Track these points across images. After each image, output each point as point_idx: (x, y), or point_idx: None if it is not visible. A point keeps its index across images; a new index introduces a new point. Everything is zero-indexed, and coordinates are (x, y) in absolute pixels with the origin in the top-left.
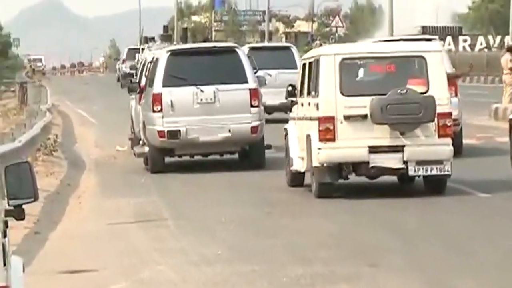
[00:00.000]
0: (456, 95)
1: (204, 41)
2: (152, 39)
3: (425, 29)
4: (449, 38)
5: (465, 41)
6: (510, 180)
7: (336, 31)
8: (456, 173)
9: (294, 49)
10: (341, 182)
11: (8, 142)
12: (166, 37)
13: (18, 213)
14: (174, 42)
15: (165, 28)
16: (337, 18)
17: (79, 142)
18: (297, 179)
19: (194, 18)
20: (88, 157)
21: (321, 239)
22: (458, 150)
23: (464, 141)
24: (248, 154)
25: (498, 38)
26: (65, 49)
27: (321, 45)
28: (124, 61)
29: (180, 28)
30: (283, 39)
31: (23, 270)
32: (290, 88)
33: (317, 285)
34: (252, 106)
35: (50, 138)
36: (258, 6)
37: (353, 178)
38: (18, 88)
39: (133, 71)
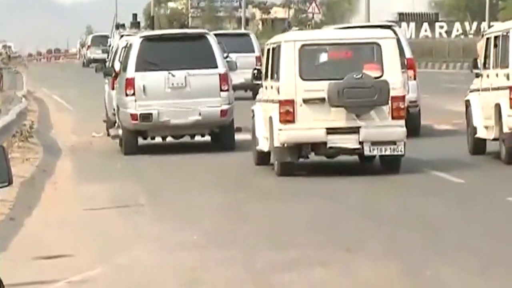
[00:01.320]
0: (414, 79)
1: (181, 28)
2: (123, 25)
3: (401, 16)
4: (425, 25)
5: (441, 27)
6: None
7: (313, 17)
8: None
9: (252, 35)
10: (306, 162)
11: None
12: (135, 24)
13: None
14: (142, 29)
15: (135, 16)
16: (313, 4)
17: (55, 128)
18: (263, 159)
19: (171, 4)
20: (64, 143)
21: (296, 224)
22: (416, 131)
23: (442, 127)
24: (218, 137)
25: (475, 24)
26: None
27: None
28: (88, 47)
29: (156, 15)
30: (260, 26)
31: None
32: (255, 71)
33: (293, 270)
34: (221, 90)
35: (26, 124)
36: None
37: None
38: None
39: (98, 57)
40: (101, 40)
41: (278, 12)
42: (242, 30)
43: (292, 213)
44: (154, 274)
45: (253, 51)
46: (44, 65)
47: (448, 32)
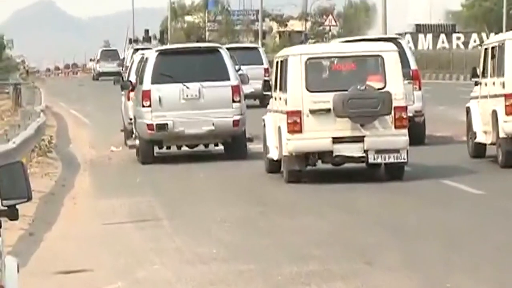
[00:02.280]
0: (419, 89)
1: (198, 42)
2: (136, 40)
3: (418, 27)
4: (442, 36)
5: (458, 38)
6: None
7: (330, 30)
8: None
9: (261, 49)
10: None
11: (2, 144)
12: (147, 38)
13: (11, 214)
14: (153, 43)
15: (146, 31)
16: (330, 17)
17: (74, 143)
18: (273, 166)
19: (188, 18)
20: (83, 158)
21: (315, 237)
22: (422, 139)
23: (460, 138)
24: (231, 146)
25: (492, 35)
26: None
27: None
28: (98, 61)
29: (173, 28)
30: (277, 38)
31: (18, 271)
32: (265, 83)
33: (313, 283)
34: (234, 101)
35: (45, 139)
36: (251, 5)
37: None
38: (12, 90)
39: (107, 70)
40: (110, 55)
41: (295, 25)
42: (252, 44)
43: (310, 225)
44: (173, 287)
45: (262, 63)
46: (62, 80)
47: (465, 43)
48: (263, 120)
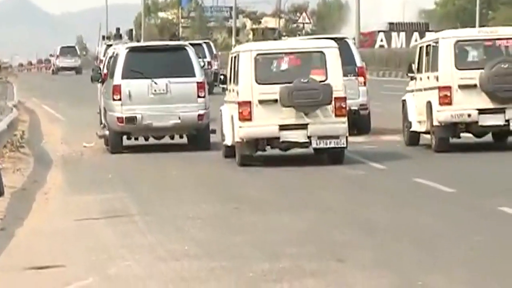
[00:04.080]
0: (364, 85)
1: (171, 38)
2: (108, 37)
3: (391, 25)
4: (416, 34)
5: None
6: None
7: (303, 27)
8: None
9: (205, 44)
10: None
11: None
12: (118, 35)
13: None
14: (124, 39)
15: (117, 29)
16: (304, 14)
17: (46, 139)
18: (229, 152)
19: (161, 14)
20: (55, 154)
21: (286, 234)
22: (367, 130)
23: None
24: (195, 138)
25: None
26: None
27: None
28: (57, 57)
29: (147, 24)
30: (250, 35)
31: None
32: (222, 77)
33: (284, 280)
34: (199, 96)
35: (17, 134)
36: (225, 2)
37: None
38: None
39: (66, 65)
40: (69, 51)
41: (269, 22)
42: (200, 41)
43: (282, 223)
44: (146, 284)
45: (205, 57)
46: (34, 75)
47: None
48: (220, 110)
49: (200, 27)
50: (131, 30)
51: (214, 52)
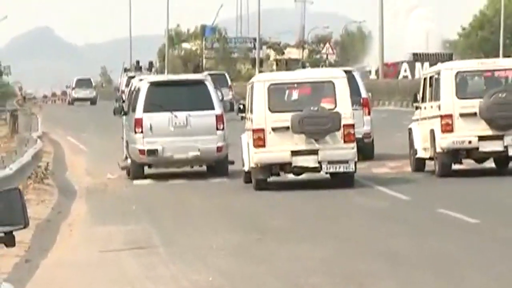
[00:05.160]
0: (369, 114)
1: (195, 70)
2: (128, 69)
3: (415, 56)
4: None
5: None
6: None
7: (327, 58)
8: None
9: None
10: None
11: None
12: (138, 68)
13: (8, 240)
14: (143, 71)
15: (137, 62)
16: (327, 45)
17: (70, 170)
18: (248, 178)
19: (185, 45)
20: (79, 185)
21: (310, 264)
22: (370, 156)
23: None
24: (214, 168)
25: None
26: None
27: None
28: (73, 88)
29: (170, 56)
30: (274, 66)
31: None
32: (241, 106)
33: None
34: (217, 129)
35: (41, 165)
36: (248, 33)
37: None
38: (9, 116)
39: (81, 96)
40: (84, 83)
41: (292, 53)
42: (218, 71)
43: (305, 253)
44: None
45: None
46: (58, 107)
47: None
48: (240, 138)
49: (223, 58)
50: (151, 62)
51: (229, 83)
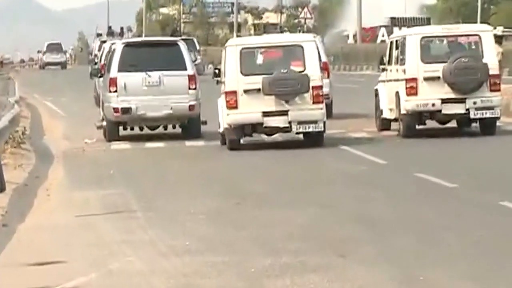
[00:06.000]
0: (328, 77)
1: (172, 34)
2: (100, 34)
3: (393, 20)
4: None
5: None
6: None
7: (305, 23)
8: None
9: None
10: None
11: None
12: (110, 33)
13: None
14: (109, 37)
15: (110, 27)
16: (305, 9)
17: (48, 135)
18: (224, 139)
19: (163, 10)
20: (57, 150)
21: (288, 230)
22: (330, 115)
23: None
24: (186, 127)
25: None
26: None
27: None
28: (44, 53)
29: (148, 21)
30: (252, 31)
31: None
32: (216, 70)
33: (286, 276)
34: (190, 88)
35: (18, 130)
36: None
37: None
38: None
39: (52, 60)
40: (54, 47)
41: (270, 17)
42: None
43: (284, 218)
44: (147, 279)
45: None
46: (35, 71)
47: None
48: (218, 102)
49: (201, 22)
50: (122, 28)
51: (198, 47)
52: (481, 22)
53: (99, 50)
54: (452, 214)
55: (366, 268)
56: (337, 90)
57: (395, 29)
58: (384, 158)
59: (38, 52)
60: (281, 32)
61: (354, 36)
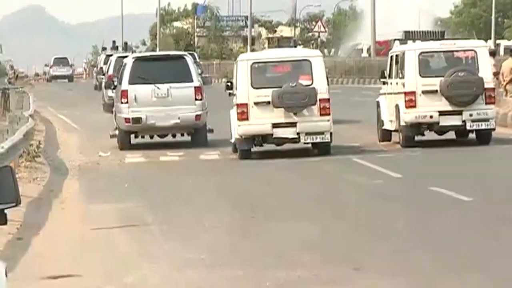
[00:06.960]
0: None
1: (186, 48)
2: (105, 48)
3: (407, 34)
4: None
5: None
6: None
7: (319, 36)
8: None
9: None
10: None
11: None
12: (115, 48)
13: (0, 218)
14: (119, 50)
15: (114, 42)
16: (319, 23)
17: (62, 148)
18: (235, 148)
19: (177, 24)
20: (71, 163)
21: (302, 242)
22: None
23: None
24: (194, 136)
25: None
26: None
27: None
28: (51, 66)
29: (162, 35)
30: (266, 44)
31: (6, 275)
32: (229, 83)
33: None
34: (196, 99)
35: (33, 144)
36: (240, 11)
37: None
38: (0, 95)
39: (59, 74)
40: (61, 61)
41: (284, 31)
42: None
43: (297, 230)
44: None
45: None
46: (49, 85)
47: None
48: (230, 113)
49: (215, 36)
50: (126, 42)
51: (197, 61)
52: (495, 36)
53: (105, 64)
54: (470, 228)
55: (381, 281)
56: (348, 104)
57: (409, 42)
58: (398, 171)
59: (46, 65)
60: (295, 46)
61: (368, 49)
